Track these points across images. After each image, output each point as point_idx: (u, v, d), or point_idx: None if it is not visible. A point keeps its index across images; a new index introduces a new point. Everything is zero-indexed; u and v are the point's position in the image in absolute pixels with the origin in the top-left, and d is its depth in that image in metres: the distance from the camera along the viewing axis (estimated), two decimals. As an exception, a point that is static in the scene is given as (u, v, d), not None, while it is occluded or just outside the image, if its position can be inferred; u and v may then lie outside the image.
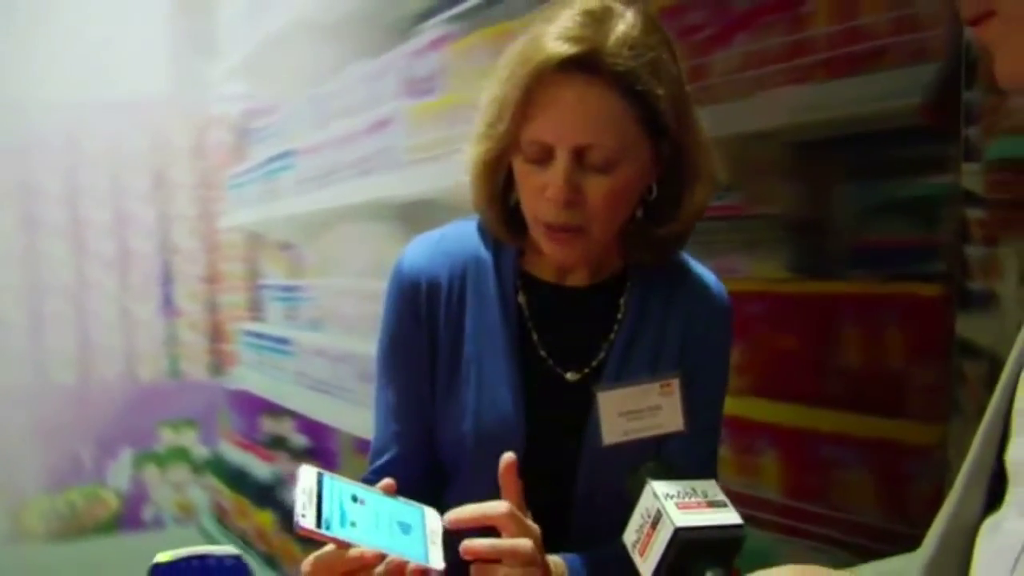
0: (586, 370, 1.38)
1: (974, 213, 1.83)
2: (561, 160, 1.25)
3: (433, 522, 1.14)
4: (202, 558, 1.03)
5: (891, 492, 2.13)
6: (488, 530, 1.17)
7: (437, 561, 1.09)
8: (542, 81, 1.23)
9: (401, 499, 1.15)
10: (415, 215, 2.73)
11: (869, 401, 2.14)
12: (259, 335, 4.03)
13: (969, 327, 1.89)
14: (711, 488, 1.02)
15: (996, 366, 1.07)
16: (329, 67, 3.36)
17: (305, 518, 1.04)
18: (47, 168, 4.45)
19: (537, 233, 1.32)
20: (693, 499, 1.00)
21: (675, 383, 1.35)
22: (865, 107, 1.93)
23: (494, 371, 1.37)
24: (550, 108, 1.24)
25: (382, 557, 1.05)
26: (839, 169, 2.11)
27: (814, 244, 2.23)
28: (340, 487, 1.10)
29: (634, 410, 1.34)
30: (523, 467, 1.35)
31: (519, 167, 1.30)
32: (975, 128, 1.76)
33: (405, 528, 1.12)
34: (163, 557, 1.03)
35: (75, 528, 4.27)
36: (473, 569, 1.13)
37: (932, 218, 1.94)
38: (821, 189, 2.19)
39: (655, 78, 1.25)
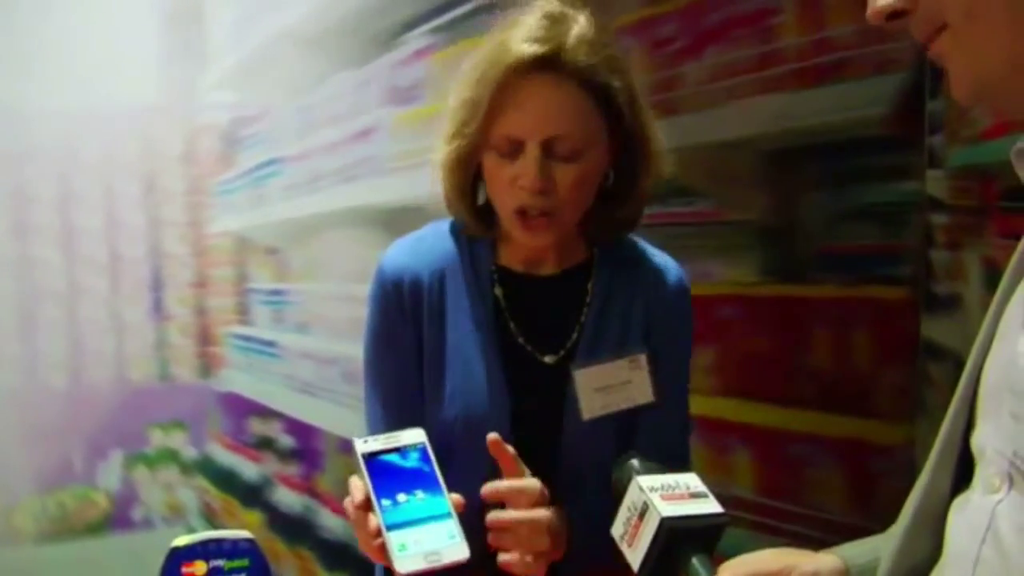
0: (562, 352, 1.44)
1: (938, 219, 1.84)
2: (532, 152, 1.31)
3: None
4: (218, 542, 1.06)
5: (860, 490, 2.14)
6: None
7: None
8: (511, 81, 1.30)
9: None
10: (398, 221, 2.72)
11: (838, 401, 2.15)
12: (247, 338, 4.03)
13: (934, 329, 1.90)
14: (693, 481, 1.06)
15: (961, 367, 1.09)
16: (315, 77, 3.37)
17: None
18: (40, 175, 4.43)
19: (510, 223, 1.37)
20: (677, 491, 1.04)
21: (642, 358, 1.43)
22: (833, 116, 1.94)
23: (477, 360, 1.42)
24: (520, 105, 1.31)
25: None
26: (808, 177, 2.12)
27: (784, 249, 2.24)
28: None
29: (607, 385, 1.42)
30: (512, 444, 1.37)
31: (491, 162, 1.36)
32: (939, 136, 1.77)
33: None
34: (181, 541, 1.06)
35: (66, 529, 4.24)
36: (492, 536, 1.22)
37: (898, 224, 1.95)
38: (791, 196, 2.19)
39: (611, 72, 1.33)
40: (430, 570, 1.09)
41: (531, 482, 1.27)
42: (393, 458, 1.18)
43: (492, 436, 1.27)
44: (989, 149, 1.70)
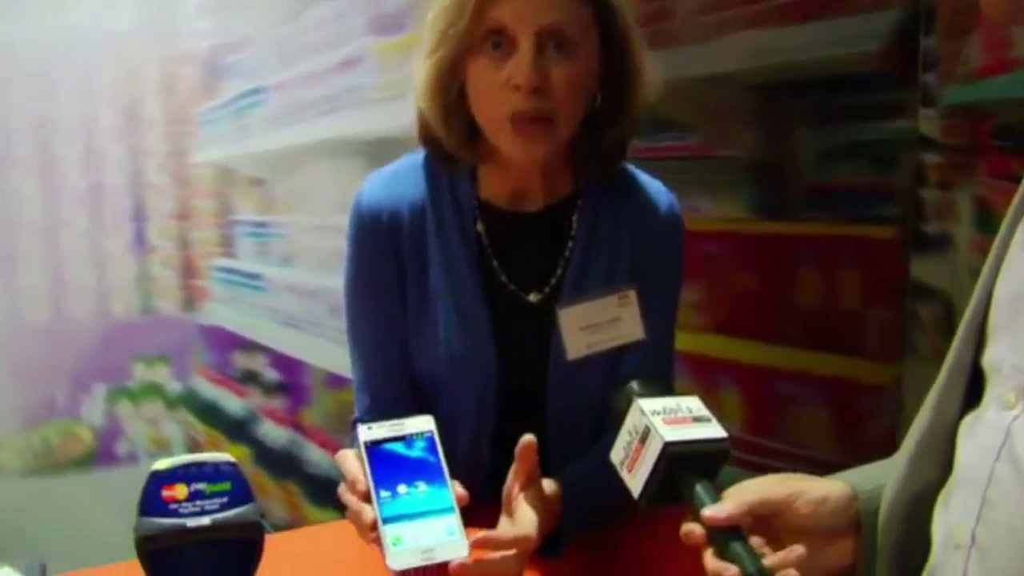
0: (546, 290, 1.44)
1: (930, 158, 1.84)
2: (525, 45, 1.28)
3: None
4: (199, 465, 1.08)
5: (847, 429, 2.18)
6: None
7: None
8: None
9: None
10: (382, 152, 2.72)
11: (826, 340, 2.18)
12: (231, 271, 4.02)
13: (923, 269, 1.92)
14: (695, 404, 1.05)
15: (949, 307, 1.10)
16: (298, 4, 3.32)
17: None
18: (15, 104, 4.37)
19: (503, 134, 1.34)
20: (679, 415, 1.02)
21: (632, 294, 1.42)
22: (826, 52, 1.93)
23: (461, 299, 1.40)
24: None
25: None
26: (800, 113, 2.11)
27: (774, 186, 2.25)
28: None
29: (595, 323, 1.39)
30: (497, 388, 1.43)
31: (479, 67, 1.32)
32: (932, 74, 1.77)
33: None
34: (161, 465, 1.09)
35: (51, 464, 4.25)
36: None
37: (889, 162, 1.96)
38: (781, 132, 2.19)
39: None
40: (424, 567, 1.08)
41: (527, 531, 1.19)
42: (397, 447, 1.15)
43: (528, 440, 1.21)
44: (983, 87, 1.70)
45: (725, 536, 0.94)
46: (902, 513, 0.97)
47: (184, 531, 1.06)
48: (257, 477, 3.71)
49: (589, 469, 1.32)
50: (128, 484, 1.10)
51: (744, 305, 2.34)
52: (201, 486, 1.07)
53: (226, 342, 4.02)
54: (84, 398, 4.43)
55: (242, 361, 3.94)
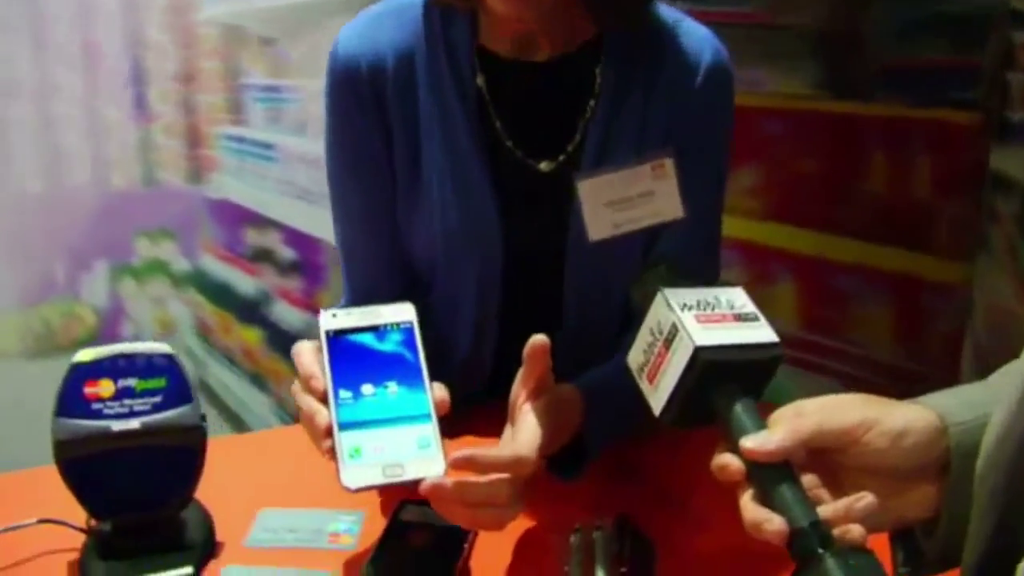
0: (561, 157, 1.30)
1: (1020, 36, 1.81)
2: None
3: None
4: (129, 357, 0.99)
5: (910, 329, 2.18)
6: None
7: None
8: None
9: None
10: (407, 8, 2.69)
11: (892, 232, 2.16)
12: (240, 140, 4.00)
13: (1005, 160, 1.89)
14: (739, 297, 0.86)
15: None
16: None
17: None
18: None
19: None
20: (717, 311, 0.84)
21: (668, 163, 1.24)
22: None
23: (457, 167, 1.28)
24: None
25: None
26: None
27: (843, 61, 2.20)
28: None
29: (622, 198, 1.24)
30: (502, 275, 1.31)
31: None
32: (1025, -59, 1.72)
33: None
34: (84, 356, 0.98)
35: (52, 346, 4.34)
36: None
37: (974, 40, 1.91)
38: (855, 1, 2.15)
39: None
40: (388, 486, 0.93)
41: (523, 453, 1.02)
42: (366, 339, 0.99)
43: (538, 340, 1.04)
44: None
45: (770, 475, 0.77)
46: (1012, 455, 0.77)
47: (108, 435, 0.98)
48: (272, 362, 3.76)
49: (616, 372, 1.07)
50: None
51: (804, 191, 2.32)
52: (130, 382, 0.98)
53: (236, 217, 4.02)
54: (84, 276, 4.49)
55: (254, 238, 3.94)
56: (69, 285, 4.28)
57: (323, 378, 0.96)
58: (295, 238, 3.56)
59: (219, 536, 1.09)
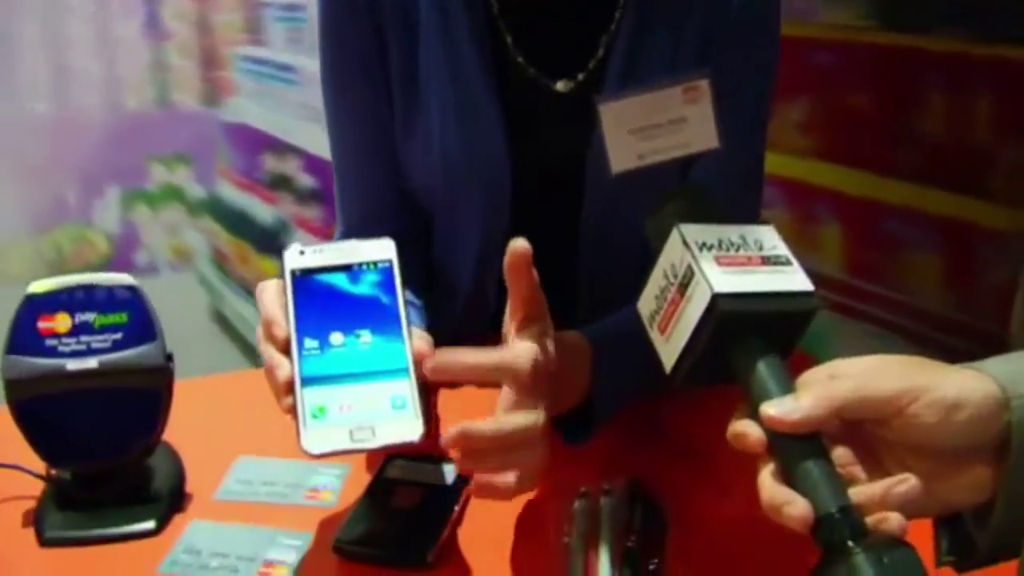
0: (580, 76, 1.22)
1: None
2: None
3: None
4: (88, 289, 0.94)
5: (961, 278, 2.10)
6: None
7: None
8: None
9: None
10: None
11: (946, 175, 2.07)
12: (259, 61, 3.93)
13: (1071, 101, 1.80)
14: (768, 236, 0.76)
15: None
16: None
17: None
18: None
19: None
20: (742, 252, 0.74)
21: (703, 85, 1.09)
22: None
23: (461, 86, 1.20)
24: None
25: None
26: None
27: (899, -11, 2.11)
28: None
29: (650, 125, 1.10)
30: (511, 208, 1.21)
31: None
32: None
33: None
34: (39, 287, 0.93)
35: (63, 272, 4.36)
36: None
37: (1044, -32, 1.81)
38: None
39: None
40: (356, 452, 0.82)
41: (520, 361, 0.86)
42: (337, 279, 0.87)
43: (518, 246, 0.87)
44: None
45: (795, 448, 0.67)
46: None
47: (63, 375, 0.92)
48: (290, 296, 3.74)
49: (631, 320, 0.90)
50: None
51: (854, 128, 2.23)
52: (88, 317, 0.93)
53: (253, 142, 3.95)
54: (96, 201, 4.44)
55: (272, 164, 3.88)
56: (81, 210, 4.25)
57: (286, 325, 0.84)
58: (315, 165, 3.50)
59: (190, 486, 1.01)
